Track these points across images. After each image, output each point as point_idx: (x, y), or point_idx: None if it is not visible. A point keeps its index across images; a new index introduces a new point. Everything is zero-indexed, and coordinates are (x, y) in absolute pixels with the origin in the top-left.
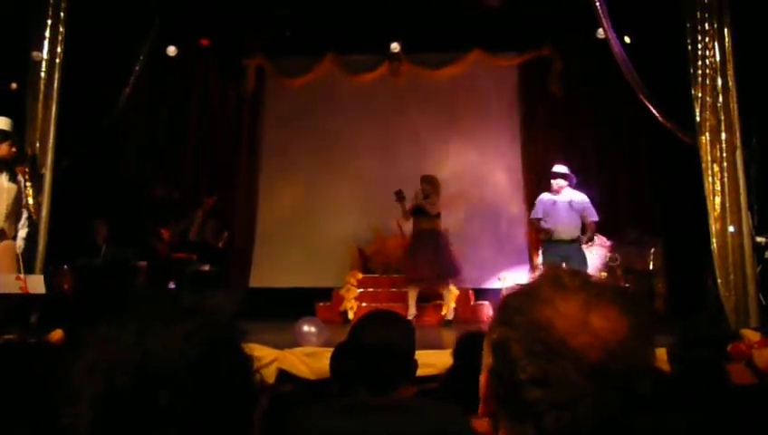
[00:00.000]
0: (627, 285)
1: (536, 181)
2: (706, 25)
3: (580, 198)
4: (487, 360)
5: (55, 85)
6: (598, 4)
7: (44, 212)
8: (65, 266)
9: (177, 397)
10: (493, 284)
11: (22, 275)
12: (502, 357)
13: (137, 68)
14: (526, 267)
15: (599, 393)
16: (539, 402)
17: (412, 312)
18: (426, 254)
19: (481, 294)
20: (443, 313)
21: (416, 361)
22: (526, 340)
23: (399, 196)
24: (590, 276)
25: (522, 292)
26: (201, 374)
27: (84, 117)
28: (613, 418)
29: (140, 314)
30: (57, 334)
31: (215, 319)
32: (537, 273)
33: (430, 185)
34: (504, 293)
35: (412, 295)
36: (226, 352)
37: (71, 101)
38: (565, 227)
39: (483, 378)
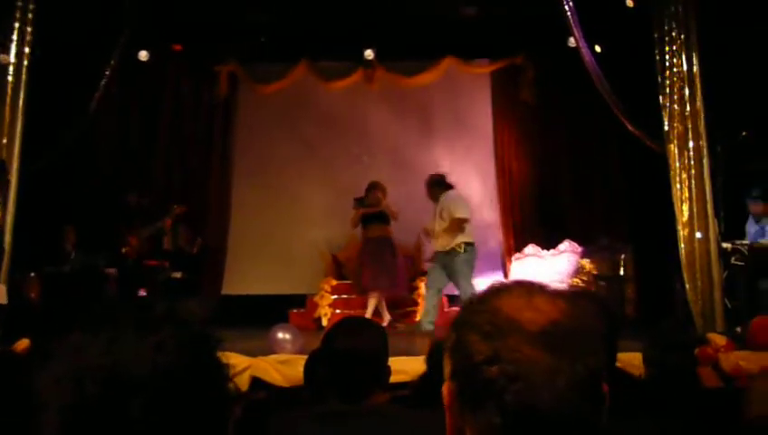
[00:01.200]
0: (598, 291)
1: (509, 188)
2: (674, 35)
3: (447, 201)
4: (446, 367)
5: (22, 89)
6: (569, 13)
7: (9, 219)
8: (32, 274)
9: (148, 407)
10: None
11: None
12: (458, 352)
13: (107, 72)
14: (500, 273)
15: (549, 362)
16: (495, 380)
17: (386, 318)
18: (382, 262)
19: (455, 300)
20: (417, 318)
21: (389, 367)
22: (477, 327)
23: (361, 203)
24: (533, 283)
25: (470, 300)
26: (173, 384)
27: (53, 122)
28: (570, 394)
29: (111, 322)
30: (23, 344)
31: (188, 327)
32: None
33: (383, 192)
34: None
35: (380, 303)
36: (200, 360)
37: (39, 106)
38: (435, 239)
39: (445, 387)
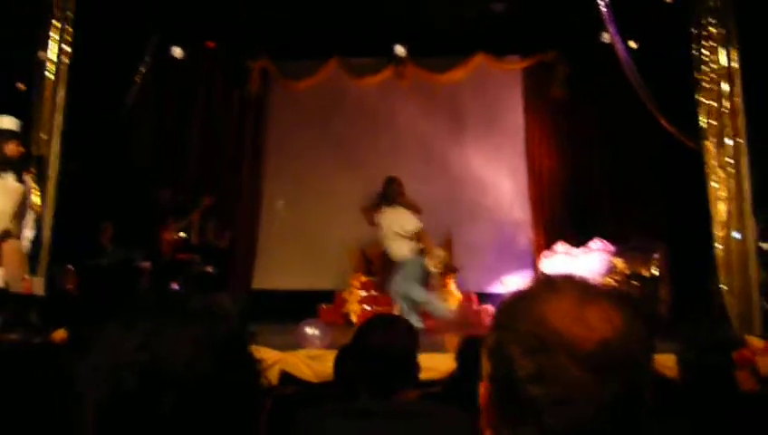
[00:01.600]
0: (630, 291)
1: (540, 185)
2: (712, 30)
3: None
4: (486, 367)
5: (61, 86)
6: (603, 8)
7: (49, 213)
8: (70, 267)
9: (182, 402)
10: (496, 287)
11: (27, 276)
12: (499, 359)
13: (142, 69)
14: (530, 272)
15: (594, 386)
16: (538, 399)
17: (415, 319)
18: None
19: (484, 298)
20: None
21: (418, 364)
22: (521, 338)
23: (387, 198)
24: (584, 279)
25: (515, 296)
26: (208, 380)
27: (91, 119)
28: (614, 411)
29: (149, 315)
30: (60, 335)
31: (224, 323)
32: (531, 279)
33: (400, 187)
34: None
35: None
36: (234, 356)
37: (76, 102)
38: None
39: (482, 387)
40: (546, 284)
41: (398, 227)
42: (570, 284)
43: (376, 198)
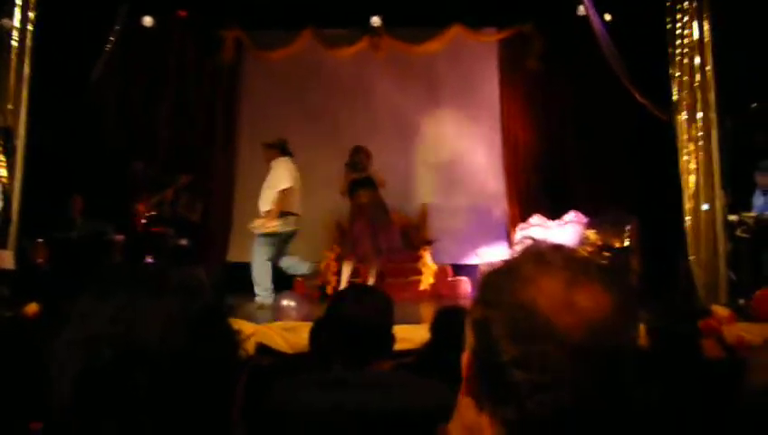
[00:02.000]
0: (603, 262)
1: (515, 158)
2: (685, 4)
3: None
4: (469, 339)
5: (27, 55)
6: None
7: (17, 185)
8: (40, 240)
9: (157, 376)
10: (471, 259)
11: None
12: (483, 338)
13: (112, 38)
14: (504, 243)
15: (580, 375)
16: (521, 385)
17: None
18: (368, 229)
19: (459, 269)
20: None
21: (393, 335)
22: (508, 320)
23: (354, 167)
24: (573, 252)
25: (503, 269)
26: (183, 353)
27: (58, 87)
28: (594, 399)
29: (123, 288)
30: (32, 308)
31: (199, 296)
32: (518, 249)
33: (368, 156)
34: (484, 269)
35: (347, 269)
36: (210, 329)
37: (44, 71)
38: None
39: (465, 357)
40: (535, 257)
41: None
42: (559, 259)
43: (344, 167)
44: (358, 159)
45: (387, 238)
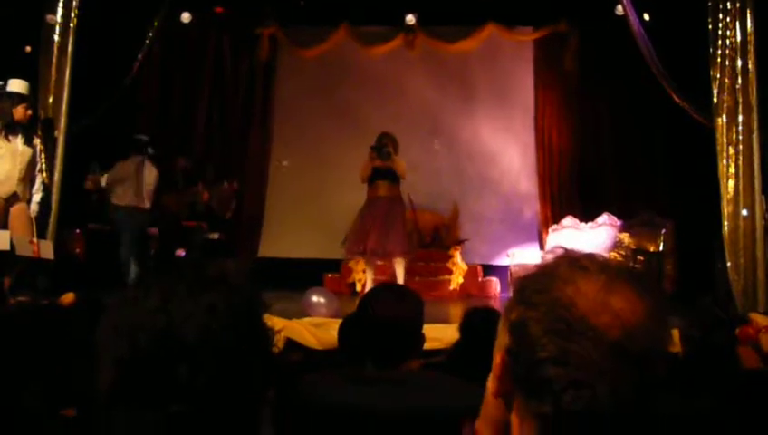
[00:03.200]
0: (636, 265)
1: (548, 159)
2: (728, 5)
3: None
4: (503, 340)
5: (69, 49)
6: None
7: (57, 176)
8: (77, 231)
9: (195, 369)
10: (501, 260)
11: (35, 239)
12: (520, 337)
13: (150, 33)
14: (536, 245)
15: (616, 372)
16: (557, 380)
17: (370, 287)
18: (379, 224)
19: (489, 270)
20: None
21: (423, 335)
22: (547, 319)
23: (379, 152)
24: (606, 259)
25: (540, 272)
26: (222, 347)
27: (98, 82)
28: (628, 398)
29: (166, 279)
30: (69, 297)
31: (239, 290)
32: (550, 253)
33: (394, 145)
34: (518, 272)
35: (369, 272)
36: (249, 324)
37: (84, 66)
38: None
39: (498, 357)
40: (572, 262)
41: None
42: (595, 265)
43: (369, 150)
44: (385, 142)
45: (395, 240)
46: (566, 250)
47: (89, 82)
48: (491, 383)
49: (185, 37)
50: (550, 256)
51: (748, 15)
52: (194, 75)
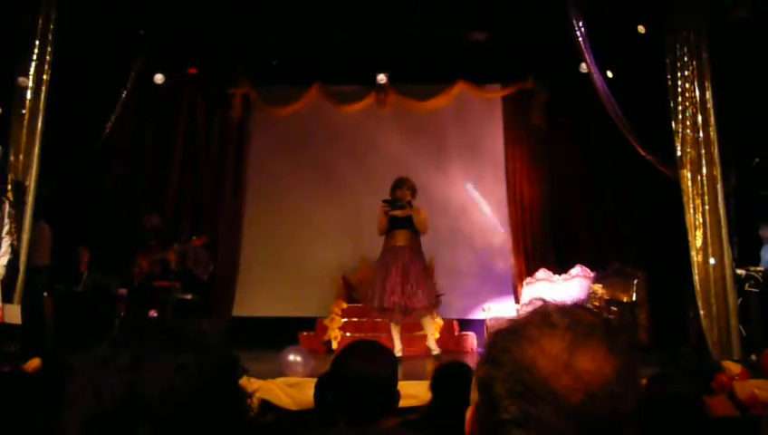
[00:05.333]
0: (611, 316)
1: (520, 212)
2: (686, 61)
3: None
4: (474, 396)
5: (41, 111)
6: (580, 38)
7: (25, 239)
8: (45, 293)
9: (158, 428)
10: (477, 314)
11: (0, 304)
12: (486, 396)
13: (123, 95)
14: (510, 298)
15: None
16: None
17: (398, 348)
18: (401, 278)
19: (465, 324)
20: (429, 345)
21: (398, 392)
22: (509, 380)
23: (392, 204)
24: (581, 314)
25: (508, 328)
26: (189, 408)
27: (69, 143)
28: None
29: (139, 339)
30: (34, 363)
31: (213, 352)
32: (528, 305)
33: (413, 191)
34: (493, 327)
35: (395, 330)
36: (221, 387)
37: (56, 127)
38: None
39: (469, 413)
40: (541, 318)
41: None
42: (565, 321)
43: (381, 204)
44: (400, 194)
45: (420, 294)
46: (543, 303)
47: (60, 144)
48: None
49: (158, 96)
50: (526, 310)
51: (705, 73)
52: (166, 134)
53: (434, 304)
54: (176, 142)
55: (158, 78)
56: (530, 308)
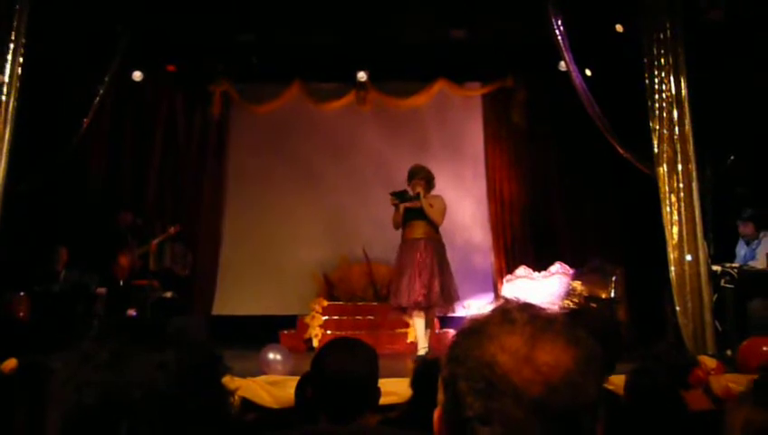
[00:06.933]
0: (593, 306)
1: (500, 209)
2: (663, 61)
3: None
4: (440, 396)
5: (10, 108)
6: (559, 37)
7: None
8: (21, 293)
9: (138, 426)
10: (458, 312)
11: None
12: (450, 394)
13: (101, 91)
14: (491, 295)
15: (541, 429)
16: None
17: (422, 345)
18: (420, 272)
19: (446, 321)
20: (419, 343)
21: (379, 389)
22: (471, 377)
23: (401, 196)
24: (540, 309)
25: (470, 327)
26: (170, 405)
27: (46, 141)
28: None
29: (120, 337)
30: (10, 364)
31: (195, 350)
32: (491, 304)
33: (427, 182)
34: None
35: (419, 324)
36: (203, 384)
37: (32, 125)
38: None
39: (436, 414)
40: (501, 315)
41: None
42: (524, 316)
43: (390, 196)
44: (413, 185)
45: (437, 289)
46: (504, 301)
47: (37, 142)
48: None
49: (136, 94)
50: (488, 308)
51: (681, 71)
52: (145, 133)
53: (451, 299)
54: (155, 140)
55: (137, 75)
56: (492, 306)
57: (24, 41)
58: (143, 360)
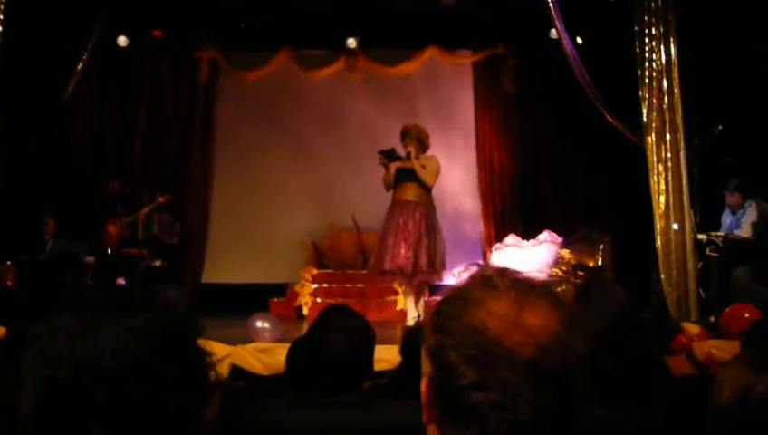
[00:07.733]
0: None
1: (490, 178)
2: (653, 30)
3: None
4: (426, 367)
5: None
6: (551, 5)
7: None
8: (8, 262)
9: (114, 394)
10: (447, 280)
11: None
12: (440, 364)
13: (85, 57)
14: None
15: (535, 390)
16: (480, 405)
17: (411, 315)
18: (406, 236)
19: (436, 289)
20: (409, 311)
21: (372, 363)
22: (463, 345)
23: (389, 155)
24: (517, 273)
25: (453, 295)
26: (143, 371)
27: (29, 106)
28: (550, 413)
29: (90, 306)
30: (0, 331)
31: (165, 314)
32: (465, 272)
33: (419, 141)
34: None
35: (405, 294)
36: (176, 348)
37: (15, 90)
38: None
39: (423, 385)
40: (482, 282)
41: None
42: (506, 282)
43: (378, 156)
44: (405, 145)
45: (424, 255)
46: (479, 267)
47: (20, 108)
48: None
49: (122, 60)
50: (465, 276)
51: (671, 40)
52: (131, 100)
53: (436, 267)
54: (141, 107)
55: (122, 40)
56: (467, 274)
57: (3, 5)
58: (115, 328)
